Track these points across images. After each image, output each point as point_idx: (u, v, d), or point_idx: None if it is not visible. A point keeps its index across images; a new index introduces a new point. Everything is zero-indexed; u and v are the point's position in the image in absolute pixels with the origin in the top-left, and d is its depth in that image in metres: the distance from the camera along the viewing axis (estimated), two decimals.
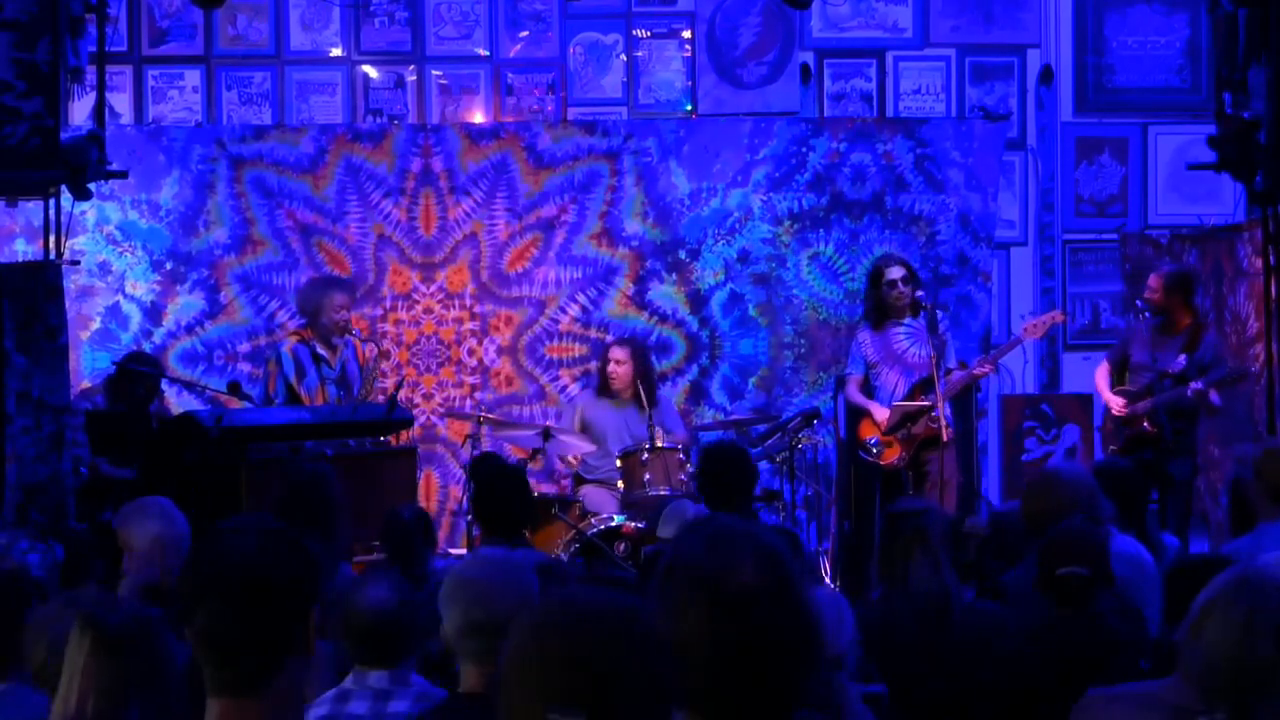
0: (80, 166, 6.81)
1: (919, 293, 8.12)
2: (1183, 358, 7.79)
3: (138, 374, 7.83)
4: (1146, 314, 7.94)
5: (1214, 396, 7.80)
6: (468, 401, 9.24)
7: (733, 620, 2.01)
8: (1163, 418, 7.73)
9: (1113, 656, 3.89)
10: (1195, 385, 7.67)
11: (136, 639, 2.71)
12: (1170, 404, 7.77)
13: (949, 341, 8.24)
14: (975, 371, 8.17)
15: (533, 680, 1.90)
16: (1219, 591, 2.83)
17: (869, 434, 8.17)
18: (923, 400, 7.94)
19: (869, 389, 8.25)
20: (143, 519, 4.86)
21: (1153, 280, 8.08)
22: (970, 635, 4.29)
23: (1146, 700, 2.95)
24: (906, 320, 8.12)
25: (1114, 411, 8.03)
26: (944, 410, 7.76)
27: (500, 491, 5.77)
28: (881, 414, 8.08)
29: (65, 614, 3.03)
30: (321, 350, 7.98)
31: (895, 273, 8.11)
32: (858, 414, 8.30)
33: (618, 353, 8.48)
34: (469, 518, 8.09)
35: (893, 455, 8.07)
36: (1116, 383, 8.14)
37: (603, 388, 8.52)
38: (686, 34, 9.72)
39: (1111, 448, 7.96)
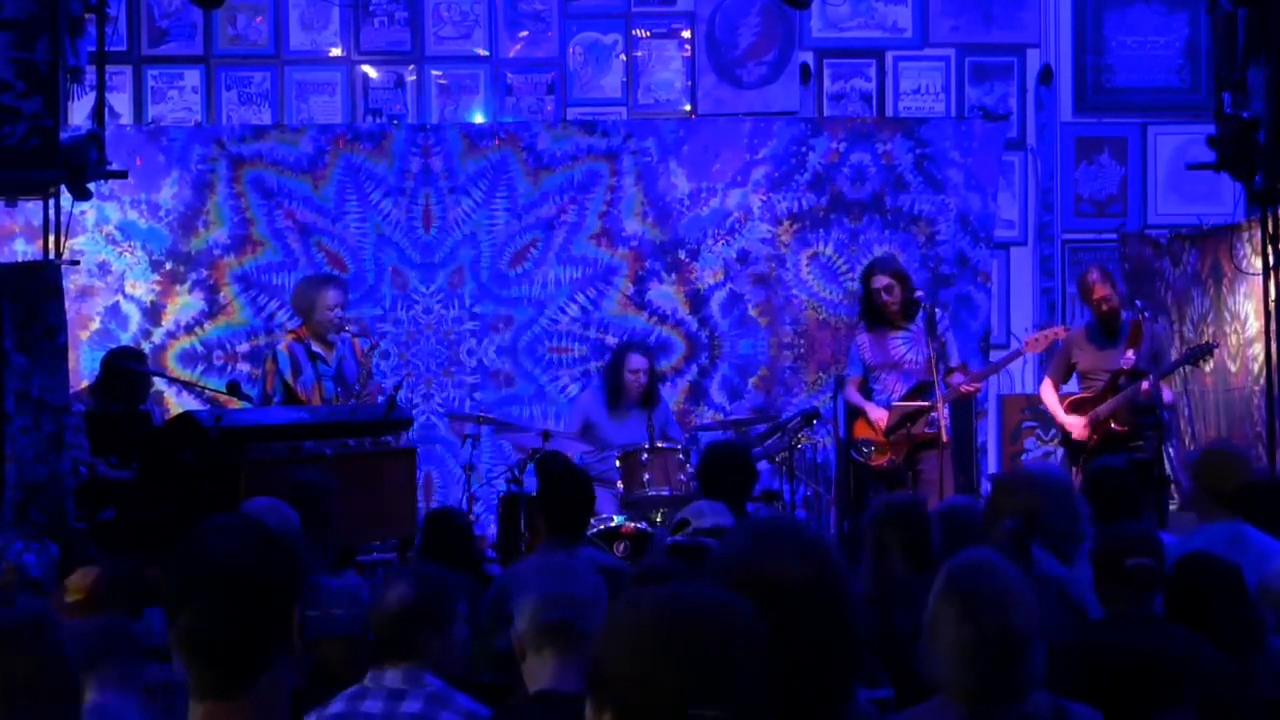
0: (80, 166, 6.81)
1: (919, 294, 8.09)
2: (1131, 353, 7.76)
3: (130, 371, 7.81)
4: (1145, 313, 7.91)
5: (1167, 394, 7.80)
6: (467, 401, 9.24)
7: (776, 610, 2.02)
8: (1163, 414, 7.70)
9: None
10: (1145, 384, 7.62)
11: (23, 636, 2.67)
12: (1128, 402, 7.73)
13: (950, 341, 8.20)
14: (963, 389, 8.07)
15: (666, 680, 1.87)
16: (934, 600, 2.92)
17: (862, 434, 8.16)
18: (922, 402, 7.94)
19: (867, 390, 8.23)
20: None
21: (1102, 288, 7.90)
22: None
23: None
24: (904, 325, 8.09)
25: (1075, 437, 7.91)
26: (943, 412, 7.76)
27: (570, 492, 5.73)
28: (877, 414, 8.06)
29: None
30: (317, 348, 7.97)
31: (879, 282, 8.06)
32: (854, 414, 8.29)
33: (639, 361, 8.39)
34: (469, 518, 8.10)
35: (883, 458, 8.06)
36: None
37: (614, 396, 8.41)
38: (686, 34, 9.72)
39: (1082, 457, 7.83)
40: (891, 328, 8.12)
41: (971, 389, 8.11)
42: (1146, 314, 7.99)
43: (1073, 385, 8.21)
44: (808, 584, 2.05)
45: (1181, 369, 8.10)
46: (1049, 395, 8.16)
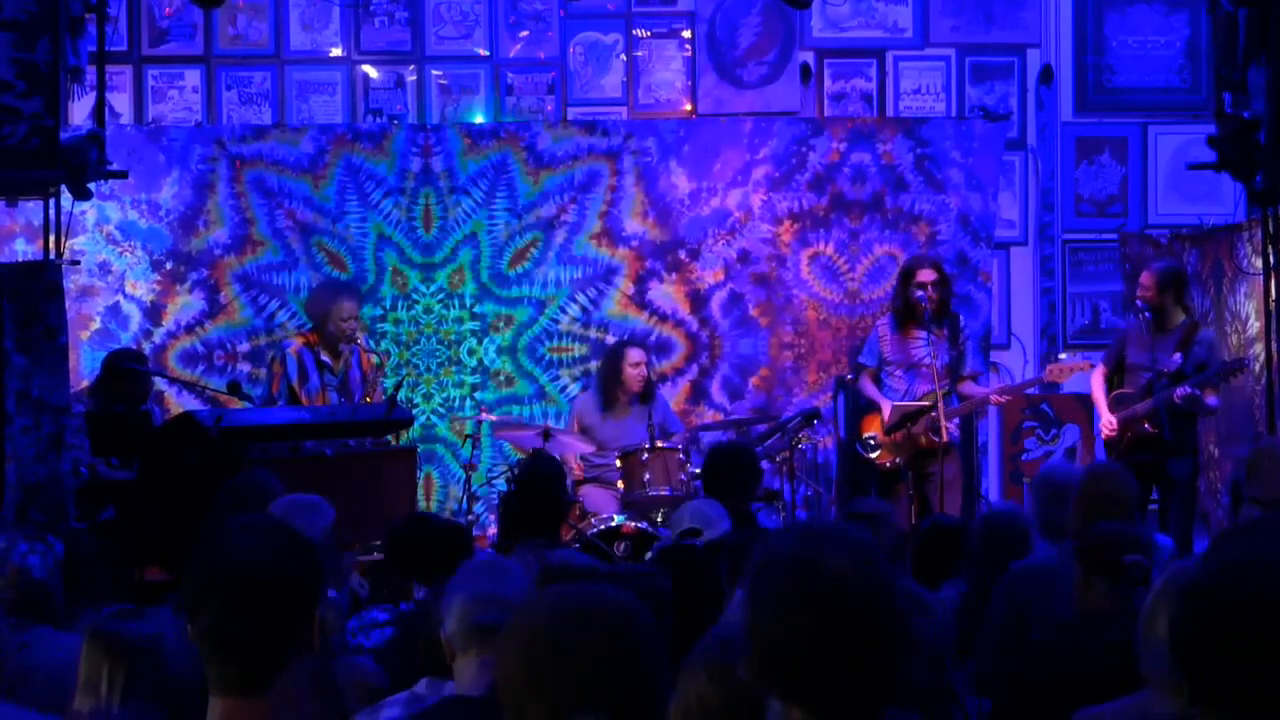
0: (80, 166, 6.81)
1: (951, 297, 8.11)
2: (1178, 356, 7.72)
3: (131, 372, 7.81)
4: (1146, 314, 7.88)
5: (1211, 399, 7.71)
6: (468, 401, 9.24)
7: (828, 606, 2.02)
8: (1164, 417, 7.67)
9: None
10: (1182, 390, 7.56)
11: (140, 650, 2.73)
12: (1164, 405, 7.71)
13: (967, 351, 8.24)
14: (993, 398, 8.18)
15: (553, 681, 1.90)
16: (1156, 594, 2.93)
17: (870, 430, 8.15)
18: (923, 402, 7.93)
19: (879, 383, 8.22)
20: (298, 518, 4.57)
21: (1145, 278, 7.96)
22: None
23: (1134, 714, 2.98)
24: (930, 327, 8.04)
25: (1105, 433, 7.86)
26: (943, 414, 7.75)
27: (539, 495, 5.70)
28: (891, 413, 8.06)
29: None
30: (325, 357, 7.99)
31: (926, 275, 8.04)
32: (864, 408, 8.27)
33: (637, 355, 8.38)
34: (470, 517, 8.11)
35: (887, 458, 8.05)
36: (1115, 385, 8.06)
37: (609, 395, 8.36)
38: (686, 34, 9.72)
39: (1112, 453, 7.85)
40: (918, 327, 8.08)
41: (1001, 400, 8.19)
42: (1146, 314, 7.95)
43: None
44: (853, 580, 2.04)
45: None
46: (1098, 386, 8.08)
